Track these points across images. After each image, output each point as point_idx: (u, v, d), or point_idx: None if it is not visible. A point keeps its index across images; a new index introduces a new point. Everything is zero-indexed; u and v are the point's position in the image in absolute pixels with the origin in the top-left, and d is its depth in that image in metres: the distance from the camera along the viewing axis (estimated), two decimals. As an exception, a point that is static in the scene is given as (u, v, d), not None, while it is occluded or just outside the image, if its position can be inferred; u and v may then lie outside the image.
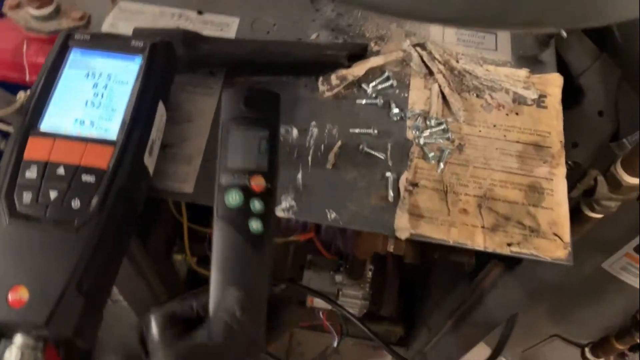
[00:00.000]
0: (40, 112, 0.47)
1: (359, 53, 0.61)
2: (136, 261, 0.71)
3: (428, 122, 0.58)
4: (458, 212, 0.53)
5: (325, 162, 0.55)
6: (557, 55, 0.64)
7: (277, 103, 0.43)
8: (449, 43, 0.64)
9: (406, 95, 0.60)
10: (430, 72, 0.61)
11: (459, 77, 0.61)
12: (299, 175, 0.55)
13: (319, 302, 1.00)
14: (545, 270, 0.55)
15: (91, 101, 0.48)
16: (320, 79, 0.60)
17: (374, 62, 0.61)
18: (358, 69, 0.60)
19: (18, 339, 0.40)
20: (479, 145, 0.57)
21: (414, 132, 0.57)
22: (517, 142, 0.57)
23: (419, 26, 0.65)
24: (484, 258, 0.65)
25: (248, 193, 0.39)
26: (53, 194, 0.43)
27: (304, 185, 0.54)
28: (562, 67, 0.63)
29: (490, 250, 0.52)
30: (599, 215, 0.65)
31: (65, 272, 0.41)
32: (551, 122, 0.59)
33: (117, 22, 0.63)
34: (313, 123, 0.58)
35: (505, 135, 0.58)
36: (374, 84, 0.60)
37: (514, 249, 0.51)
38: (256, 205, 0.38)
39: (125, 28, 0.62)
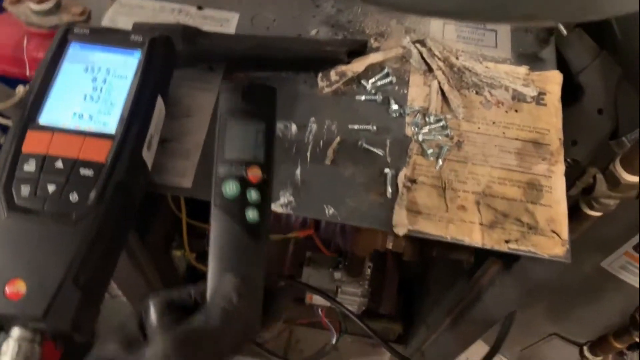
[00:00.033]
0: (39, 106, 0.47)
1: (359, 49, 0.61)
2: (135, 256, 0.71)
3: (427, 119, 0.58)
4: (456, 209, 0.53)
5: (324, 158, 0.55)
6: (557, 52, 0.64)
7: (273, 97, 0.44)
8: (449, 40, 0.64)
9: (405, 91, 0.60)
10: (430, 69, 0.61)
11: (458, 74, 0.61)
12: (298, 171, 0.55)
13: (318, 299, 1.00)
14: (543, 268, 0.55)
15: (90, 95, 0.48)
16: (320, 75, 0.60)
17: (373, 58, 0.61)
18: (357, 65, 0.60)
19: (15, 331, 0.40)
20: (478, 142, 0.57)
21: (413, 128, 0.57)
22: (516, 139, 0.57)
23: (419, 23, 0.65)
24: (482, 256, 0.65)
25: (245, 183, 0.39)
26: (51, 188, 0.43)
27: (303, 181, 0.54)
28: (562, 65, 0.63)
29: (488, 247, 0.51)
30: (598, 213, 0.65)
31: (63, 266, 0.41)
32: (550, 119, 0.59)
33: (117, 17, 0.64)
34: (312, 119, 0.58)
35: (504, 133, 0.58)
36: (373, 80, 0.60)
37: (512, 245, 0.51)
38: (253, 195, 0.39)
39: (125, 23, 0.62)
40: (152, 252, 0.75)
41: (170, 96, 0.55)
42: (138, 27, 0.56)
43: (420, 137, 0.57)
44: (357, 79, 0.60)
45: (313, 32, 0.64)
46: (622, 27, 0.62)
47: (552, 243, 0.52)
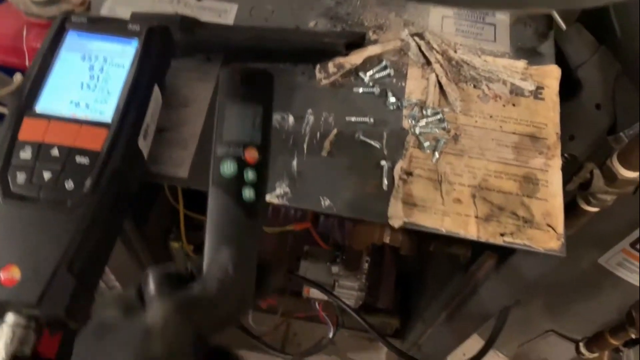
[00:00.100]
0: (35, 94, 0.47)
1: (357, 42, 0.61)
2: (132, 248, 0.72)
3: (424, 112, 0.58)
4: (452, 202, 0.53)
5: (321, 149, 0.55)
6: (555, 47, 0.64)
7: (271, 83, 0.45)
8: (448, 33, 0.64)
9: (403, 84, 0.60)
10: (428, 62, 0.61)
11: (456, 68, 0.61)
12: (294, 162, 0.55)
13: (315, 293, 1.00)
14: (538, 262, 0.55)
15: (87, 84, 0.48)
16: (318, 66, 0.60)
17: (371, 50, 0.61)
18: (356, 58, 0.60)
19: (9, 317, 0.40)
20: (475, 135, 0.57)
21: (410, 121, 0.57)
22: (513, 133, 0.57)
23: (418, 16, 0.65)
24: (478, 250, 0.65)
25: (242, 164, 0.40)
26: (47, 175, 0.44)
27: (299, 173, 0.54)
28: (561, 59, 0.63)
29: (483, 240, 0.52)
30: (595, 209, 0.65)
31: (57, 253, 0.41)
32: (548, 113, 0.59)
33: (115, 7, 0.64)
34: (309, 111, 0.58)
35: (501, 126, 0.58)
36: (371, 72, 0.60)
37: (507, 239, 0.51)
38: (249, 175, 0.40)
39: (123, 13, 0.62)
40: (149, 243, 0.75)
41: (167, 86, 0.55)
42: (136, 17, 0.56)
43: (417, 130, 0.57)
44: (355, 71, 0.60)
45: (311, 24, 0.64)
46: (622, 23, 0.62)
47: (548, 237, 0.52)
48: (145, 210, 0.79)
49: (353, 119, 0.57)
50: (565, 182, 0.58)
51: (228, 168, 0.40)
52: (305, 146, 0.56)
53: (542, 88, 0.60)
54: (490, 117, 0.58)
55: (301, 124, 0.57)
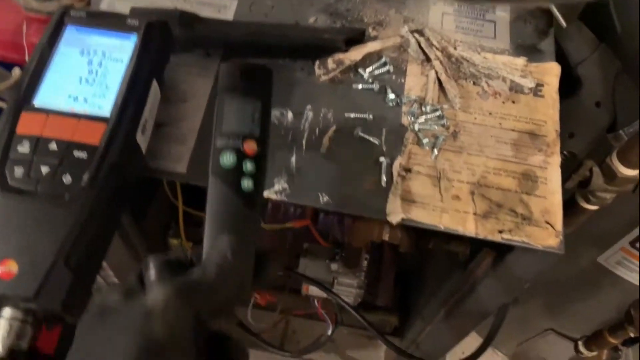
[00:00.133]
0: (34, 88, 0.47)
1: (357, 38, 0.61)
2: (131, 243, 0.72)
3: (424, 109, 0.58)
4: (450, 198, 0.53)
5: (320, 146, 0.55)
6: (556, 44, 0.64)
7: (270, 78, 0.45)
8: (447, 30, 0.64)
9: (403, 81, 0.60)
10: (428, 59, 0.61)
11: (456, 64, 0.61)
12: (293, 159, 0.55)
13: (314, 290, 1.00)
14: (536, 259, 0.55)
15: (85, 78, 0.48)
16: (317, 62, 0.60)
17: (371, 47, 0.60)
18: (355, 54, 0.60)
19: (6, 311, 0.40)
20: (474, 132, 0.57)
21: (409, 118, 0.57)
22: (513, 130, 0.57)
23: (418, 12, 0.65)
24: (477, 247, 0.65)
25: (241, 155, 0.41)
26: (45, 169, 0.44)
27: (297, 169, 0.54)
28: (561, 57, 0.63)
29: (481, 236, 0.51)
30: (594, 207, 0.65)
31: (55, 247, 0.41)
32: (547, 111, 0.58)
33: (115, 2, 0.63)
34: (308, 107, 0.58)
35: (500, 123, 0.58)
36: (370, 69, 0.60)
37: (506, 236, 0.51)
38: (248, 166, 0.41)
39: (123, 8, 0.62)
40: (148, 239, 0.75)
41: (166, 81, 0.55)
42: (135, 12, 0.56)
43: (416, 127, 0.57)
44: (355, 67, 0.60)
45: (311, 20, 0.64)
46: (622, 21, 0.62)
47: (546, 234, 0.52)
48: (144, 207, 0.79)
49: (352, 115, 0.57)
50: (565, 179, 0.58)
51: (227, 159, 0.41)
52: (304, 142, 0.56)
53: (542, 85, 0.60)
54: (490, 114, 0.58)
55: (300, 120, 0.57)
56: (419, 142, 0.56)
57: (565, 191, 0.55)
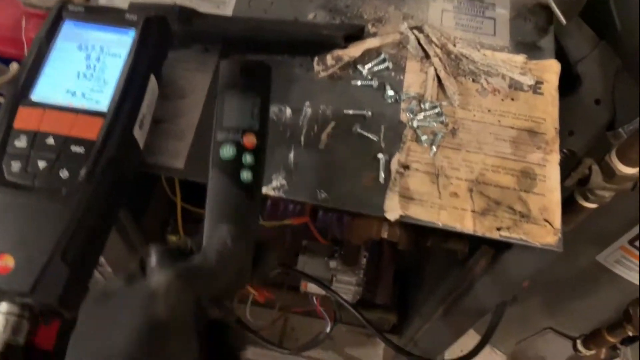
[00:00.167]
0: (31, 83, 0.47)
1: (356, 34, 0.61)
2: (129, 239, 0.72)
3: (422, 105, 0.57)
4: (449, 196, 0.53)
5: (318, 142, 0.55)
6: (555, 42, 0.63)
7: (268, 74, 0.46)
8: (447, 27, 0.64)
9: (402, 77, 0.60)
10: (427, 56, 0.61)
11: (455, 61, 0.61)
12: (291, 155, 0.54)
13: (313, 288, 1.00)
14: (535, 257, 0.55)
15: (83, 73, 0.48)
16: (316, 59, 0.60)
17: (370, 43, 0.60)
18: (354, 50, 0.60)
19: (2, 306, 0.40)
20: (473, 129, 0.57)
21: (407, 114, 0.57)
22: (512, 127, 0.57)
23: (417, 9, 0.65)
24: (476, 245, 0.65)
25: (241, 148, 0.42)
26: (42, 164, 0.44)
27: (296, 165, 0.54)
28: (561, 54, 0.63)
29: (479, 234, 0.51)
30: (593, 205, 0.65)
31: (51, 242, 0.41)
32: (547, 108, 0.58)
33: (114, -3, 0.63)
34: (307, 103, 0.57)
35: (499, 121, 0.57)
36: (369, 65, 0.60)
37: (504, 233, 0.51)
38: (247, 158, 0.42)
39: (121, 2, 0.61)
40: (146, 235, 0.75)
41: (165, 77, 0.55)
42: (134, 7, 0.56)
43: (415, 124, 0.56)
44: (354, 64, 0.60)
45: (310, 16, 0.63)
46: (622, 18, 0.62)
47: (544, 232, 0.52)
48: (143, 203, 0.79)
49: (351, 111, 0.57)
50: (564, 177, 0.58)
51: (227, 152, 0.42)
52: (302, 138, 0.55)
53: (541, 83, 0.60)
54: (489, 111, 0.58)
55: (298, 116, 0.57)
56: (417, 139, 0.56)
57: (564, 189, 0.55)
